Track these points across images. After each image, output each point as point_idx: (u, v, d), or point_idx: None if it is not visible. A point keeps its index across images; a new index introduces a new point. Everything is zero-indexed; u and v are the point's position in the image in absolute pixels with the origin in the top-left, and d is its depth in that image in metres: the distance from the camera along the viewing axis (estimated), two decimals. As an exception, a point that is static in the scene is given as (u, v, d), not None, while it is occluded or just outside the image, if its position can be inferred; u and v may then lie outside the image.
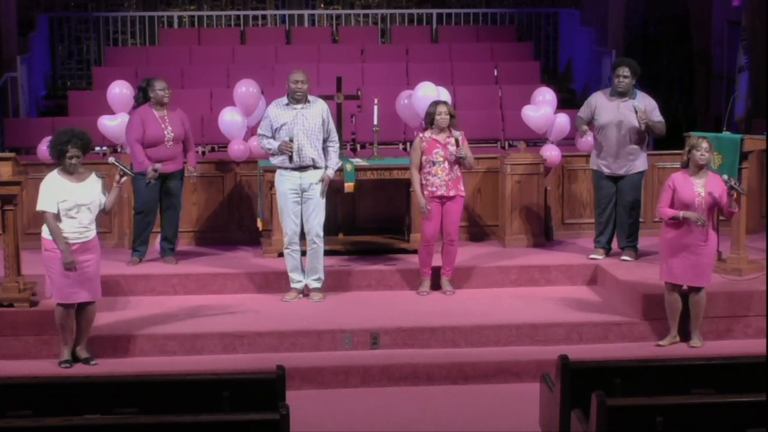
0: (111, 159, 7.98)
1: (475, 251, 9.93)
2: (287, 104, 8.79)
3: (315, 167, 8.79)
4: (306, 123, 8.74)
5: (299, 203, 8.79)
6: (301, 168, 8.76)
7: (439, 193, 8.86)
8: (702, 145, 7.95)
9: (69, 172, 7.57)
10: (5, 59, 13.36)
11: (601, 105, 9.49)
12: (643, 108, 9.26)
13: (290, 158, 8.69)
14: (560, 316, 8.53)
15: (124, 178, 7.73)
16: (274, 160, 8.85)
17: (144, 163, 9.12)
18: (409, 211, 9.72)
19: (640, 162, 9.46)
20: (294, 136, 8.67)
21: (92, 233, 7.70)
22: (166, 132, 9.24)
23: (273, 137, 8.78)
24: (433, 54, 14.27)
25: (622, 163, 9.40)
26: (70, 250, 7.53)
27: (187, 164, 9.46)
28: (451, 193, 8.88)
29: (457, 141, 8.81)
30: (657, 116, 9.40)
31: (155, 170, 9.07)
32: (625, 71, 9.35)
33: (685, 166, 8.04)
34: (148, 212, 9.39)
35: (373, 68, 13.54)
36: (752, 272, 8.94)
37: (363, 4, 16.35)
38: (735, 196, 8.00)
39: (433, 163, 8.86)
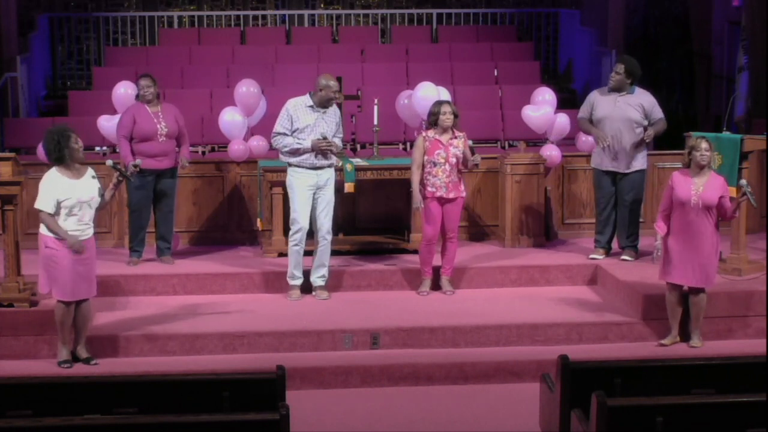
0: (109, 162, 7.91)
1: (475, 251, 9.94)
2: (310, 106, 8.79)
3: (329, 166, 8.87)
4: (326, 126, 8.78)
5: (311, 200, 8.81)
6: (318, 167, 8.79)
7: (438, 194, 8.87)
8: (702, 146, 7.94)
9: (74, 161, 7.56)
10: (5, 59, 13.36)
11: (599, 100, 9.57)
12: (647, 112, 9.33)
13: (326, 153, 8.74)
14: (560, 316, 8.53)
15: (122, 181, 7.75)
16: (292, 159, 8.80)
17: (127, 158, 9.18)
18: (409, 211, 9.72)
19: (640, 159, 9.46)
20: (326, 135, 8.71)
21: (92, 231, 7.71)
22: (159, 127, 9.27)
23: (291, 136, 8.78)
24: (433, 54, 14.27)
25: (621, 158, 9.41)
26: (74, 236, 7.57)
27: (180, 158, 9.41)
28: (451, 195, 8.88)
29: (472, 149, 8.86)
30: (657, 113, 9.43)
31: (135, 166, 8.98)
32: (618, 68, 9.47)
33: (687, 166, 8.04)
34: (141, 210, 9.42)
35: (373, 68, 13.54)
36: (752, 272, 8.94)
37: (363, 4, 16.35)
38: (745, 202, 7.90)
39: (434, 164, 8.86)
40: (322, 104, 8.78)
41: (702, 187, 7.90)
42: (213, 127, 11.01)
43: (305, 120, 8.76)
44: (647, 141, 9.35)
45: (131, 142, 9.31)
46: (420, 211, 8.96)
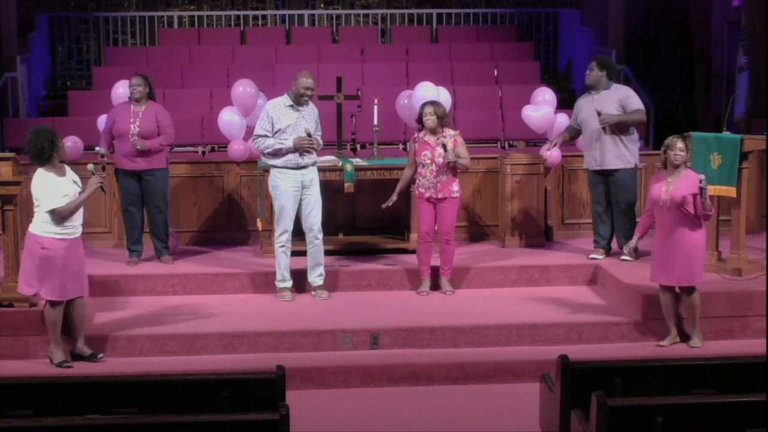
0: (90, 166, 7.86)
1: (475, 251, 9.94)
2: (290, 105, 8.80)
3: (313, 164, 8.87)
4: (306, 125, 8.78)
5: (297, 202, 8.81)
6: (302, 167, 8.78)
7: (428, 194, 8.89)
8: (677, 145, 7.91)
9: (61, 161, 7.60)
10: (5, 59, 13.36)
11: (580, 104, 9.71)
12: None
13: (309, 151, 8.77)
14: (560, 316, 8.53)
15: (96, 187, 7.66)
16: (276, 161, 8.82)
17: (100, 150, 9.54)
18: (409, 210, 9.72)
19: (622, 155, 9.42)
20: (310, 132, 8.72)
21: (80, 230, 7.73)
22: (132, 127, 9.30)
23: (273, 137, 8.78)
24: (433, 54, 14.26)
25: (604, 156, 9.43)
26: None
27: (143, 140, 9.28)
28: (440, 196, 8.87)
29: (444, 146, 8.77)
30: (633, 104, 9.43)
31: (102, 156, 9.43)
32: (591, 65, 9.59)
33: (664, 165, 8.02)
34: (129, 211, 9.48)
35: (373, 68, 13.54)
36: (752, 272, 8.94)
37: (363, 4, 16.34)
38: (707, 198, 7.80)
39: (423, 165, 8.89)
40: (297, 100, 8.76)
41: (673, 185, 7.88)
42: (213, 127, 11.00)
43: (286, 120, 8.76)
44: (601, 126, 9.32)
45: (114, 140, 9.47)
46: (384, 208, 9.01)
